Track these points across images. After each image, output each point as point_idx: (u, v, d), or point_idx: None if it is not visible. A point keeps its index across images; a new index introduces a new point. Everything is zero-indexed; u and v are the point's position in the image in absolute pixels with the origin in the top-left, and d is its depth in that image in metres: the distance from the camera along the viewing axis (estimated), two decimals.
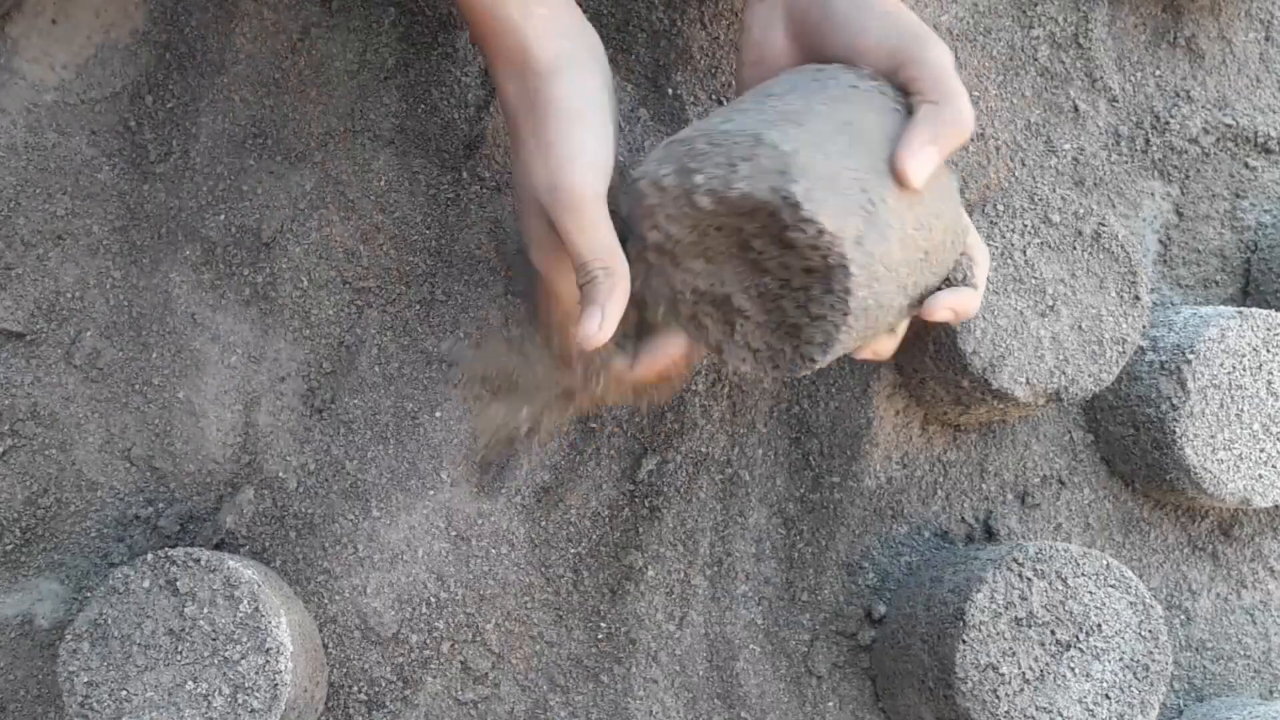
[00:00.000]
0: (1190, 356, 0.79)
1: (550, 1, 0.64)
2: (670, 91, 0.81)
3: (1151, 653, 0.73)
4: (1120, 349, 0.75)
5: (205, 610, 0.67)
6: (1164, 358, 0.80)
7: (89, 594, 0.75)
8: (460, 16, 0.66)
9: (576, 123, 0.62)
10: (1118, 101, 0.88)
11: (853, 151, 0.55)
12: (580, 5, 0.81)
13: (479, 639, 0.78)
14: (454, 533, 0.78)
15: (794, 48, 0.65)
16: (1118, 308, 0.75)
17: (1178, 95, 0.89)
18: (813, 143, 0.54)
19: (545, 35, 0.63)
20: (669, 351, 0.68)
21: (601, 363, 0.68)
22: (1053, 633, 0.72)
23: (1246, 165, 0.90)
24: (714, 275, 0.59)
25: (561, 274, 0.65)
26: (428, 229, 0.79)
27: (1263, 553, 0.86)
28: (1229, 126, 0.90)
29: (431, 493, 0.78)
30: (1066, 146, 0.87)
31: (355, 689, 0.77)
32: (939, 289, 0.61)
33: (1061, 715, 0.71)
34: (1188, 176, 0.89)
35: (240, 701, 0.66)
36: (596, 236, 0.61)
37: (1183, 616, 0.85)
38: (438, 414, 0.79)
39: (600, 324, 0.60)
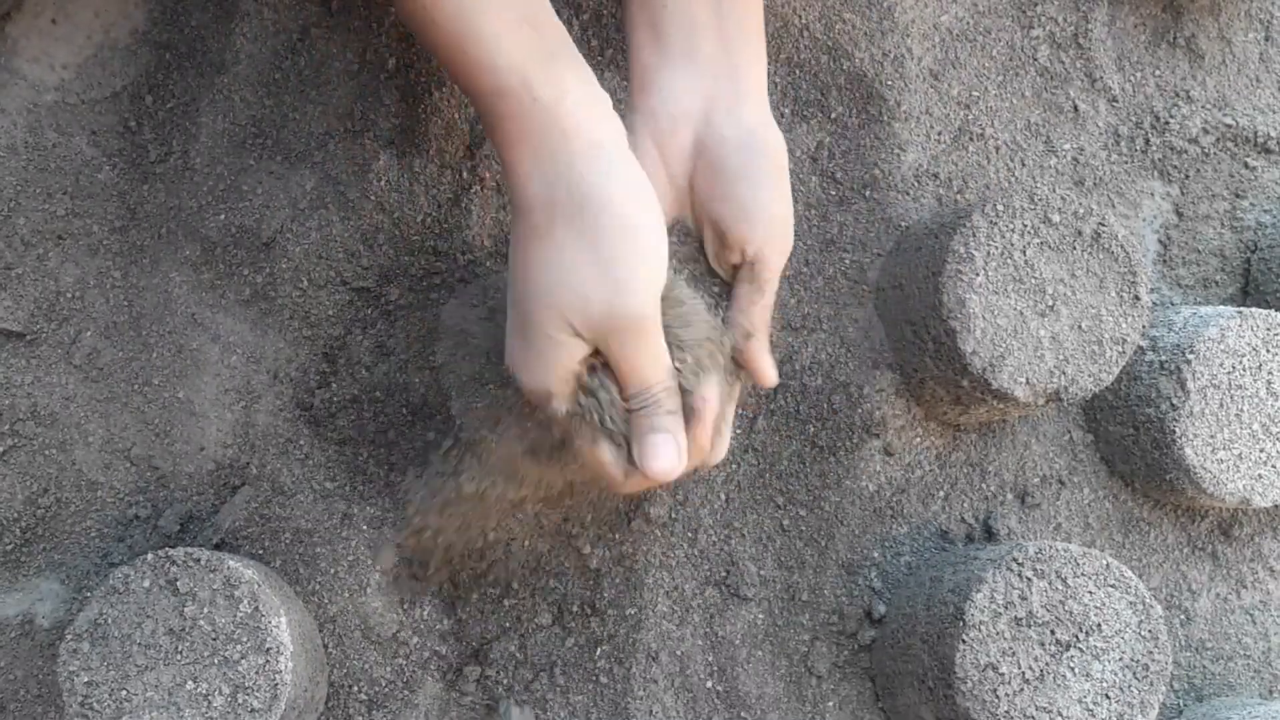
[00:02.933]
0: (1190, 356, 0.79)
1: (579, 76, 0.55)
2: None
3: (1151, 653, 0.73)
4: (1120, 349, 0.75)
5: (205, 610, 0.67)
6: (1164, 358, 0.80)
7: (89, 594, 0.75)
8: (464, 94, 0.56)
9: (634, 232, 0.53)
10: (1118, 101, 0.88)
11: None
12: (580, 5, 0.81)
13: (479, 640, 0.78)
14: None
15: (690, 152, 0.63)
16: (1118, 308, 0.75)
17: (1178, 95, 0.89)
18: None
19: (584, 114, 0.53)
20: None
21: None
22: (1052, 632, 0.72)
23: (1246, 165, 0.90)
24: None
25: (560, 403, 0.57)
26: (427, 229, 0.80)
27: (1262, 553, 0.86)
28: (1229, 126, 0.90)
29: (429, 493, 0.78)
30: (1066, 146, 0.87)
31: (355, 689, 0.77)
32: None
33: (1061, 715, 0.71)
34: (1187, 176, 0.89)
35: (240, 701, 0.66)
36: (660, 359, 0.54)
37: (1182, 616, 0.85)
38: (436, 415, 0.79)
39: (679, 452, 0.55)
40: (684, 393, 0.58)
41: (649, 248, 0.53)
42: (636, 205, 0.53)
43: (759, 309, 0.64)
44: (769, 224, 0.62)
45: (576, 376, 0.56)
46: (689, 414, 0.58)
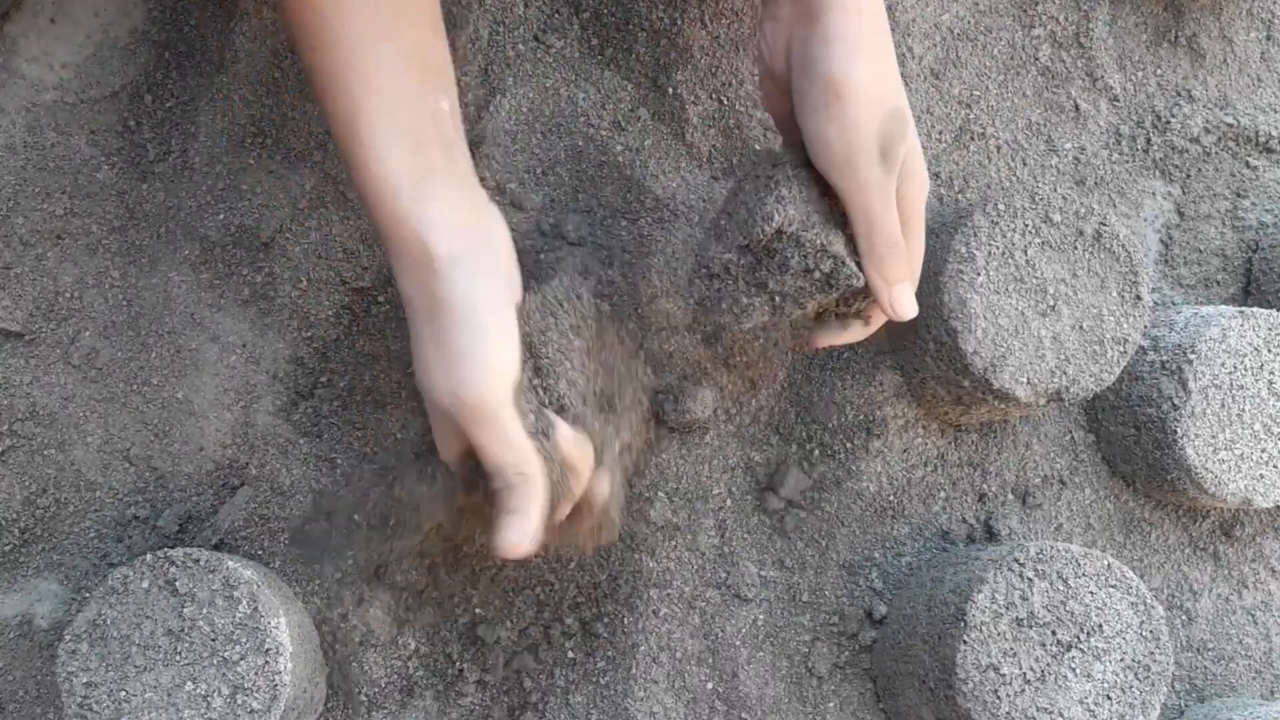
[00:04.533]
0: (1191, 356, 0.79)
1: (447, 194, 0.60)
2: (670, 91, 0.81)
3: (1153, 653, 0.72)
4: (1121, 349, 0.75)
5: (204, 611, 0.67)
6: (1165, 357, 0.80)
7: (88, 594, 0.75)
8: (360, 202, 0.62)
9: (478, 331, 0.59)
10: (1119, 101, 0.88)
11: None
12: (580, 5, 0.81)
13: (478, 639, 0.78)
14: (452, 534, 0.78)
15: (787, 76, 0.65)
16: (1119, 307, 0.75)
17: (1179, 95, 0.89)
18: None
19: (442, 229, 0.59)
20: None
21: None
22: (1054, 633, 0.72)
23: (1248, 165, 0.90)
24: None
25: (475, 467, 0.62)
26: None
27: (1264, 553, 0.86)
28: (1230, 126, 0.90)
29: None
30: (1067, 146, 0.87)
31: (355, 689, 0.77)
32: None
33: (1063, 716, 0.71)
34: (1189, 176, 0.89)
35: (239, 702, 0.66)
36: (508, 444, 0.59)
37: (1184, 617, 0.85)
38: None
39: (524, 531, 0.59)
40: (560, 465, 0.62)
41: (492, 349, 0.60)
42: (483, 313, 0.60)
43: (863, 227, 0.65)
44: (824, 153, 0.64)
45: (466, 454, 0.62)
46: (560, 488, 0.63)
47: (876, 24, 0.64)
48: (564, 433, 0.62)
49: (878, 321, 0.70)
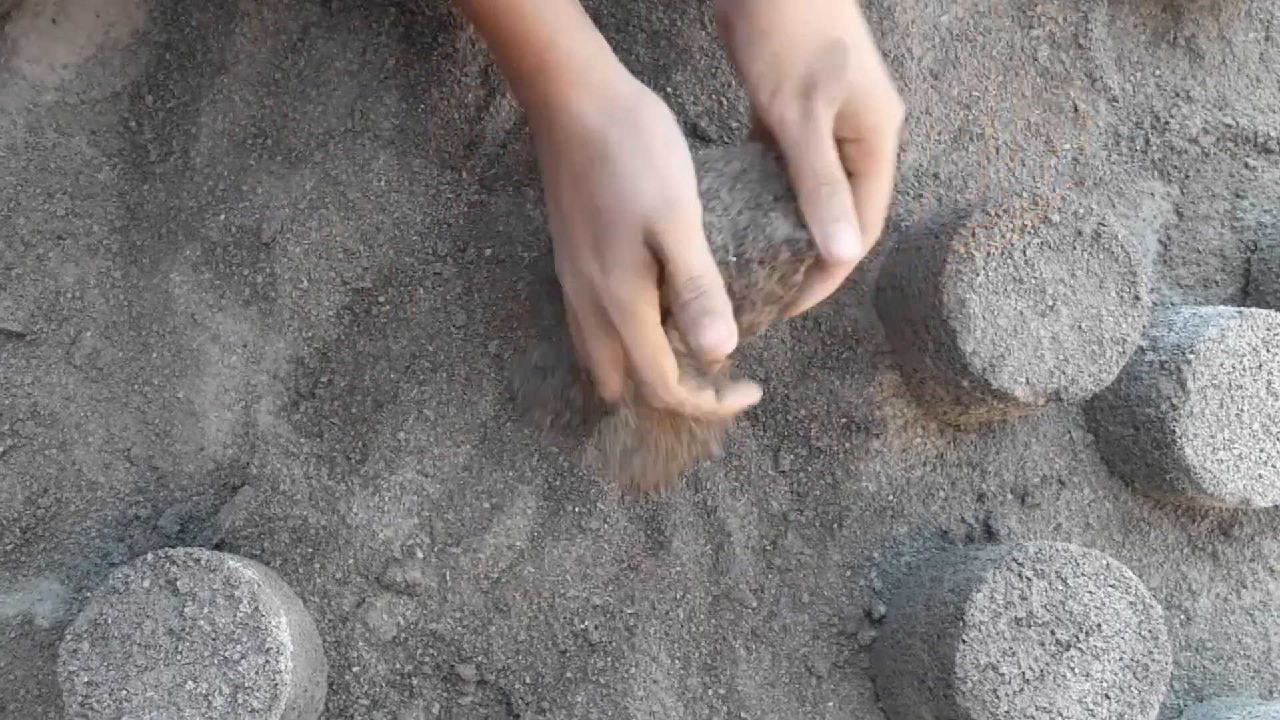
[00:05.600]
0: (1190, 356, 0.79)
1: (607, 46, 0.64)
2: (670, 91, 0.81)
3: (1151, 653, 0.73)
4: (1120, 349, 0.75)
5: (205, 610, 0.67)
6: (1164, 358, 0.80)
7: (89, 594, 0.75)
8: (516, 55, 0.63)
9: (682, 150, 0.61)
10: (1118, 101, 0.88)
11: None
12: (580, 5, 0.81)
13: (479, 639, 0.78)
14: (452, 534, 0.78)
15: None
16: (1118, 308, 0.75)
17: (1178, 95, 0.89)
18: None
19: (625, 75, 0.63)
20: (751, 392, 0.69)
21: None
22: (1052, 633, 0.72)
23: (1246, 165, 0.90)
24: None
25: (649, 305, 0.62)
26: (427, 229, 0.80)
27: (1262, 553, 0.86)
28: (1229, 126, 0.90)
29: (429, 494, 0.78)
30: (1066, 147, 0.87)
31: (355, 689, 0.77)
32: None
33: (1061, 715, 0.71)
34: (1188, 176, 0.89)
35: (240, 701, 0.66)
36: (706, 252, 0.60)
37: (1182, 616, 0.85)
38: (430, 416, 0.79)
39: (729, 329, 0.60)
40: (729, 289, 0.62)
41: (687, 159, 0.61)
42: (678, 139, 0.61)
43: (792, 165, 0.63)
44: (758, 92, 0.63)
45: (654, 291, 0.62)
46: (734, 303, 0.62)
47: None
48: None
49: (831, 270, 0.65)
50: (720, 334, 0.59)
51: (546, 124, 0.64)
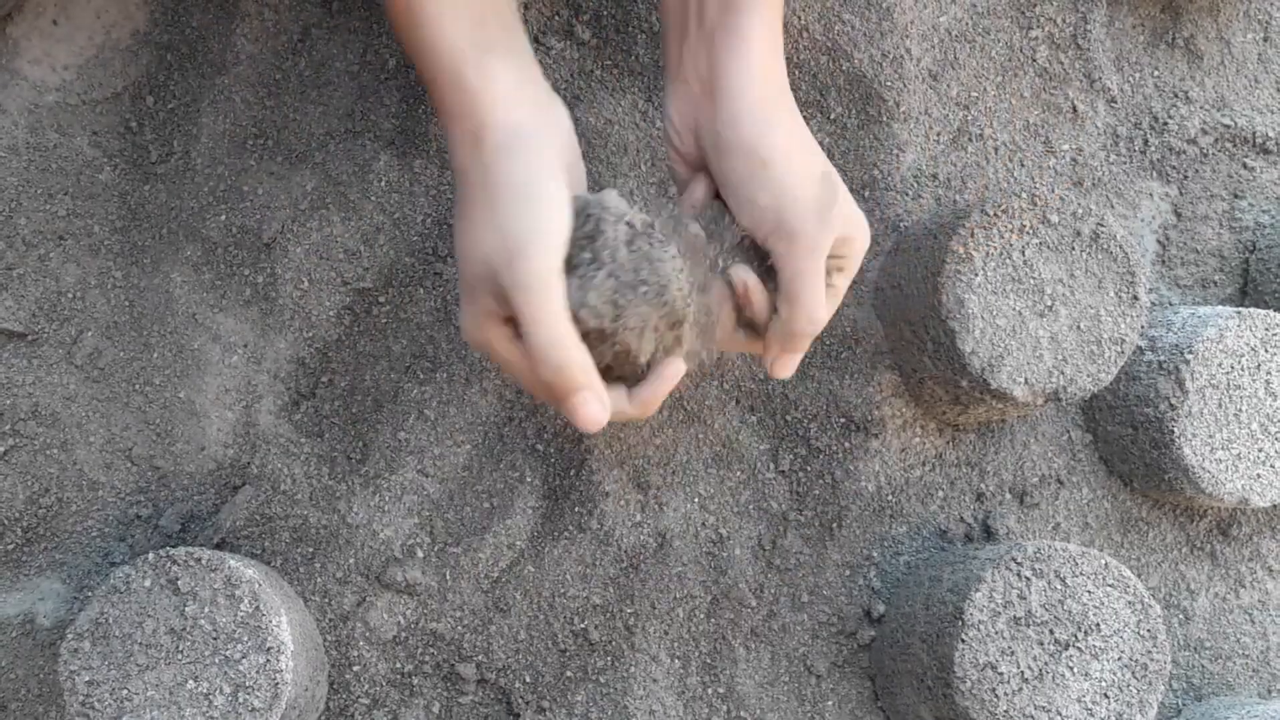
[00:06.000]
0: (1189, 356, 0.79)
1: (511, 72, 0.61)
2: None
3: (1150, 652, 0.73)
4: (1119, 349, 0.75)
5: (206, 609, 0.67)
6: (1162, 358, 0.80)
7: (90, 593, 0.75)
8: (418, 78, 0.63)
9: (533, 201, 0.58)
10: (1116, 102, 0.88)
11: None
12: (580, 6, 0.81)
13: (479, 639, 0.78)
14: (452, 533, 0.78)
15: (700, 154, 0.66)
16: (1116, 308, 0.75)
17: (1176, 96, 0.90)
18: None
19: (503, 105, 0.60)
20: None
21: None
22: (1051, 632, 0.72)
23: (1245, 165, 0.90)
24: None
25: (501, 347, 0.61)
26: (428, 229, 0.80)
27: (1261, 552, 0.86)
28: (1227, 127, 0.90)
29: (429, 494, 0.78)
30: (1065, 147, 0.87)
31: (356, 688, 0.77)
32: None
33: (1060, 714, 0.71)
34: (1186, 177, 0.89)
35: (241, 700, 0.66)
36: (557, 321, 0.58)
37: (1181, 616, 0.85)
38: (430, 415, 0.79)
39: (590, 409, 0.59)
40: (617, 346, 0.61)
41: (541, 222, 0.58)
42: (537, 180, 0.59)
43: (789, 297, 0.65)
44: (756, 220, 0.64)
45: (503, 333, 0.61)
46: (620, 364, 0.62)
47: (779, 89, 0.65)
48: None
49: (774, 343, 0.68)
50: (588, 415, 0.59)
51: (446, 128, 0.63)
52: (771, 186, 0.63)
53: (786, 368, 0.67)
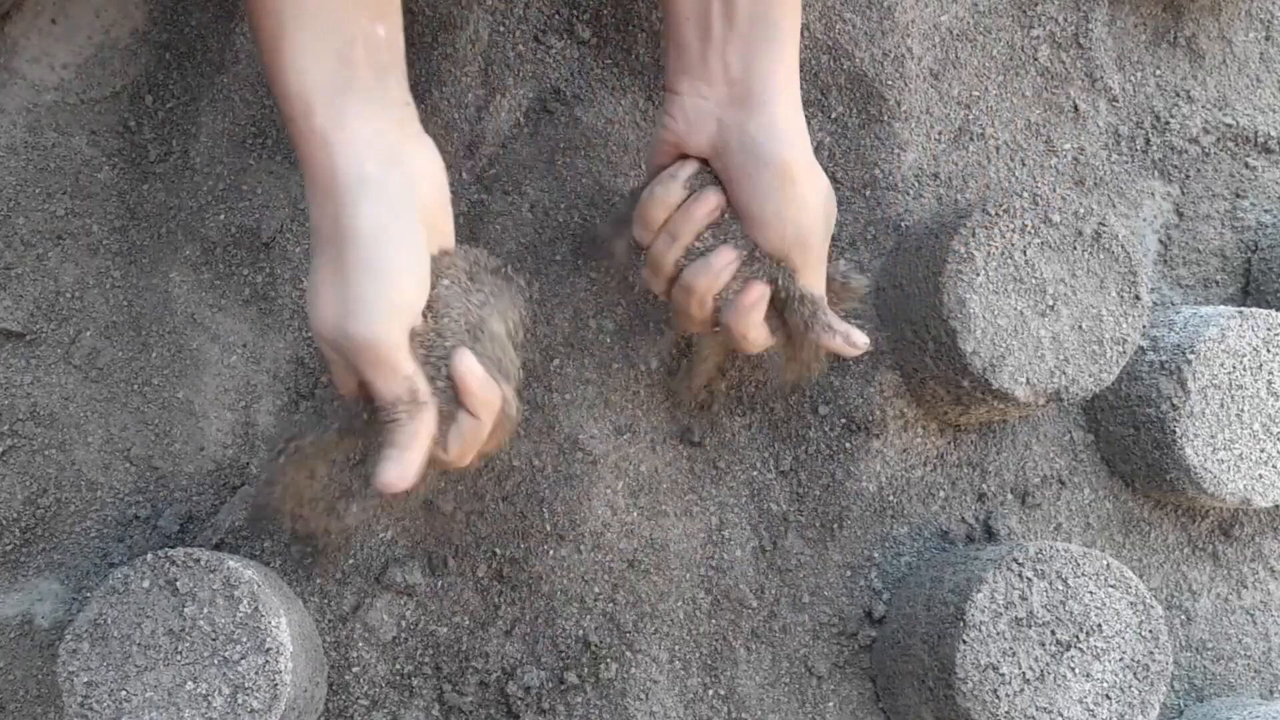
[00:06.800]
0: (1190, 356, 0.79)
1: (368, 116, 0.57)
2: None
3: (1152, 653, 0.73)
4: (1120, 349, 0.75)
5: (205, 610, 0.67)
6: (1164, 358, 0.80)
7: (89, 594, 0.75)
8: (284, 113, 0.58)
9: (378, 266, 0.56)
10: (1118, 101, 0.88)
11: None
12: (580, 5, 0.81)
13: (479, 640, 0.78)
14: (449, 533, 0.78)
15: (709, 154, 0.67)
16: (1118, 307, 0.75)
17: (1178, 95, 0.89)
18: None
19: (354, 151, 0.56)
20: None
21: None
22: (1053, 633, 0.72)
23: (1247, 165, 0.90)
24: None
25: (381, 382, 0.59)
26: None
27: (1263, 553, 0.86)
28: (1229, 126, 0.90)
29: (427, 493, 0.78)
30: (1066, 146, 0.87)
31: (355, 689, 0.77)
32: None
33: (1062, 715, 0.71)
34: (1188, 176, 0.89)
35: (240, 701, 0.66)
36: (395, 380, 0.57)
37: (1183, 616, 0.85)
38: None
39: (403, 468, 0.57)
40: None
41: (391, 286, 0.57)
42: (385, 247, 0.57)
43: (798, 307, 0.68)
44: (779, 233, 0.66)
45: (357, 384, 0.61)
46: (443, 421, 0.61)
47: (799, 108, 0.67)
48: (469, 363, 0.60)
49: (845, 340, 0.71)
50: (389, 475, 0.58)
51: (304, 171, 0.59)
52: (798, 203, 0.65)
53: (857, 338, 0.69)
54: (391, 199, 0.57)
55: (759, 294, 0.67)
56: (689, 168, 0.67)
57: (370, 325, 0.56)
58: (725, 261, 0.67)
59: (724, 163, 0.66)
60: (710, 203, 0.67)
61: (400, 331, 0.58)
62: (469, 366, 0.60)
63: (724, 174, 0.66)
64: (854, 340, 0.69)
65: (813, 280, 0.68)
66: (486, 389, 0.60)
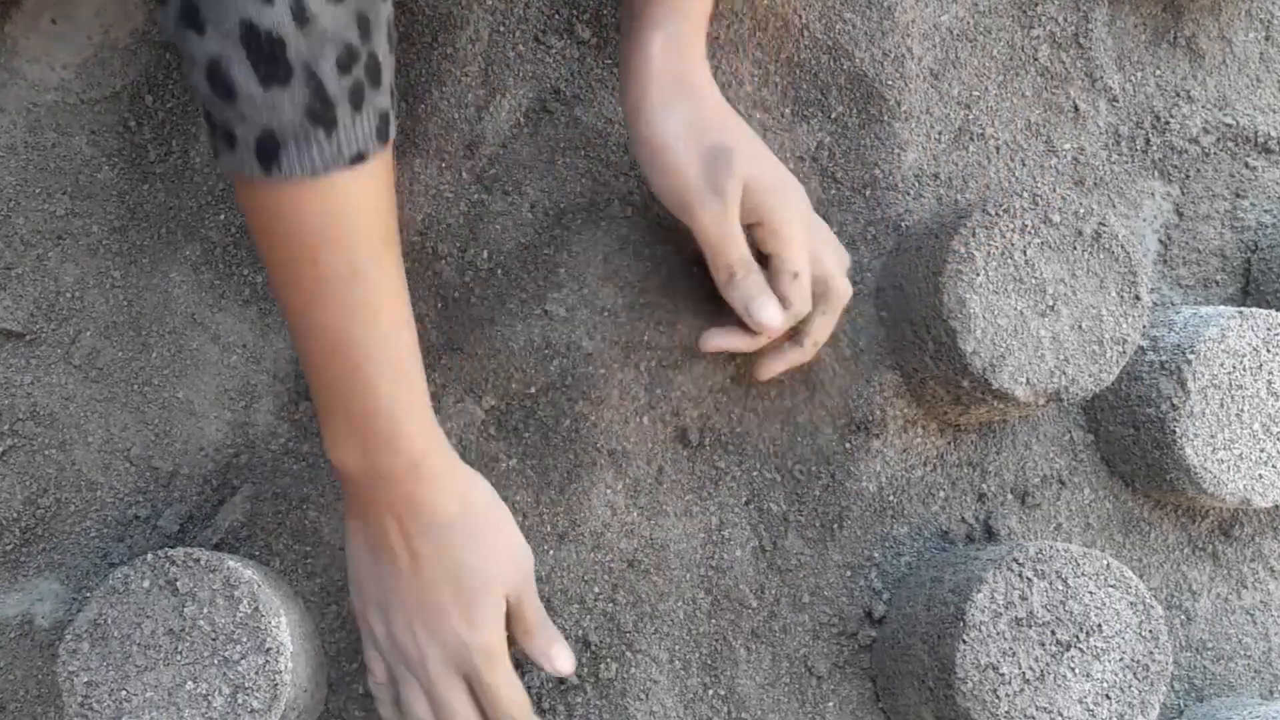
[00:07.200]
0: (1190, 356, 0.79)
1: (449, 464, 0.67)
2: None
3: (1152, 653, 0.73)
4: (1120, 349, 0.75)
5: (205, 610, 0.67)
6: (1164, 358, 0.80)
7: (89, 594, 0.75)
8: (389, 458, 0.65)
9: (488, 588, 0.67)
10: (1118, 101, 0.88)
11: None
12: (580, 5, 0.81)
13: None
14: None
15: (684, 140, 0.71)
16: (1118, 307, 0.75)
17: (1178, 95, 0.89)
18: None
19: (460, 468, 0.68)
20: None
21: None
22: (1053, 633, 0.72)
23: (1246, 165, 0.90)
24: None
25: (506, 652, 0.69)
26: (427, 229, 0.79)
27: (1263, 553, 0.86)
28: (1229, 126, 0.90)
29: None
30: (1066, 146, 0.87)
31: (355, 689, 0.77)
32: None
33: (1062, 715, 0.71)
34: (1188, 176, 0.89)
35: (240, 701, 0.66)
36: (513, 682, 0.68)
37: (1183, 616, 0.85)
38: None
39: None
40: None
41: (492, 596, 0.67)
42: (488, 563, 0.67)
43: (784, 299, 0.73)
44: (668, 201, 0.72)
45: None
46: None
47: (679, 72, 0.71)
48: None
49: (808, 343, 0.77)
50: (564, 662, 0.70)
51: (402, 514, 0.66)
52: (665, 170, 0.70)
53: (760, 312, 0.72)
54: (479, 520, 0.68)
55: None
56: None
57: (483, 634, 0.67)
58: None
59: (705, 151, 0.71)
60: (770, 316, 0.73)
61: (501, 635, 0.69)
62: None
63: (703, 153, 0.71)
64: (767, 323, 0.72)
65: (703, 239, 0.71)
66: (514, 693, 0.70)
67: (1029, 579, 0.72)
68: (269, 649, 0.66)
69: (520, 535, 0.69)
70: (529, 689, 0.78)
